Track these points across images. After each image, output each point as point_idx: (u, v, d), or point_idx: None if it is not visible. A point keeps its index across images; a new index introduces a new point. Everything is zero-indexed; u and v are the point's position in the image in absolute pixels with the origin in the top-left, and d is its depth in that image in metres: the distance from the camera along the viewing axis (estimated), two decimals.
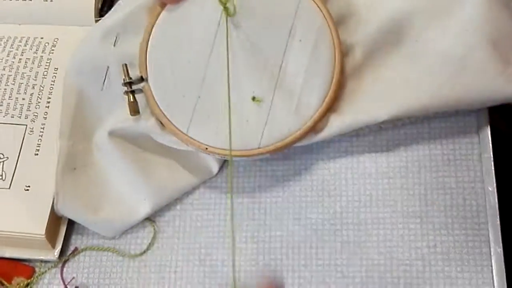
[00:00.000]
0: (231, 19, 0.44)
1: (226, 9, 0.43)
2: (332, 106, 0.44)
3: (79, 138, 0.47)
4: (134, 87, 0.45)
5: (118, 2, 0.48)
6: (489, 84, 0.42)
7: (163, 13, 0.45)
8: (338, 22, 0.45)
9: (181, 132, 0.43)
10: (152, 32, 0.45)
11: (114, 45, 0.46)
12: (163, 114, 0.44)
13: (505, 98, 0.42)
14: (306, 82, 0.43)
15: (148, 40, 0.45)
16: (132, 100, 0.45)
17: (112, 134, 0.46)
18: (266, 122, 0.43)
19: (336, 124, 0.43)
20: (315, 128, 0.43)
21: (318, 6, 0.44)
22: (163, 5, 0.45)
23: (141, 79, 0.45)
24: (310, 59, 0.43)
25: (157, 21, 0.45)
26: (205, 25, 0.44)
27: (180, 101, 0.44)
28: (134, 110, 0.45)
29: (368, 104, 0.43)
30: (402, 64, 0.44)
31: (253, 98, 0.43)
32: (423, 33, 0.44)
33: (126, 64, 0.45)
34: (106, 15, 0.48)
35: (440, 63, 0.43)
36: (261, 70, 0.43)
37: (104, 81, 0.47)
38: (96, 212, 0.46)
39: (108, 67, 0.46)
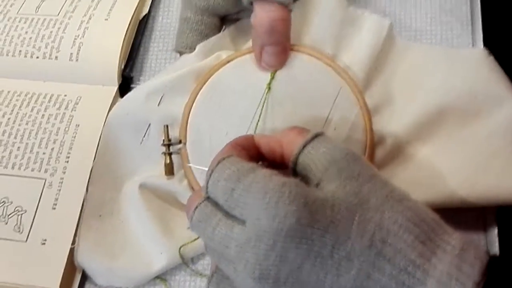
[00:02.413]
0: (273, 98, 0.45)
1: (269, 88, 0.45)
2: None
3: (109, 186, 0.49)
4: (171, 148, 0.46)
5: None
6: (509, 187, 0.43)
7: (210, 81, 0.48)
8: (373, 111, 0.47)
9: None
10: (197, 99, 0.47)
11: (158, 105, 0.48)
12: (195, 179, 0.45)
13: None
14: None
15: (192, 106, 0.47)
16: (168, 161, 0.47)
17: (142, 186, 0.47)
18: None
19: None
20: None
21: (356, 97, 0.46)
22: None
23: (179, 142, 0.47)
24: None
25: (202, 88, 0.47)
26: (247, 101, 0.46)
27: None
28: (170, 171, 0.47)
29: None
30: (432, 158, 0.45)
31: None
32: (456, 130, 0.46)
33: (167, 126, 0.47)
34: (155, 76, 0.51)
35: (467, 161, 0.44)
36: None
37: (144, 136, 0.49)
38: (113, 259, 0.47)
39: (149, 124, 0.48)
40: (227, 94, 0.47)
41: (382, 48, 0.49)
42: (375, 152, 0.46)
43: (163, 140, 0.47)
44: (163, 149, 0.47)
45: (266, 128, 0.45)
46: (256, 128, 0.45)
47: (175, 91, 0.48)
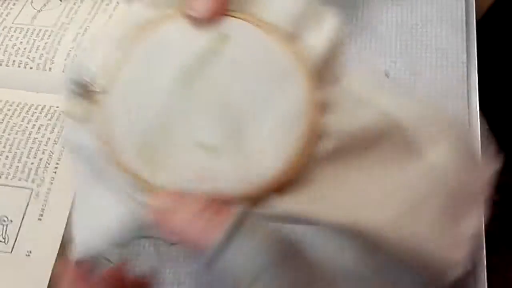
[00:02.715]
0: (214, 62, 0.41)
1: (214, 51, 0.41)
2: (284, 187, 0.38)
3: None
4: (88, 92, 0.41)
5: None
6: (433, 239, 0.38)
7: (155, 34, 0.42)
8: (324, 107, 0.42)
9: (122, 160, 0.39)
10: (137, 51, 0.42)
11: (95, 56, 0.43)
12: (111, 133, 0.40)
13: (439, 262, 0.38)
14: (265, 151, 0.39)
15: (129, 57, 0.42)
16: (76, 101, 0.41)
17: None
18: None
19: (282, 206, 0.38)
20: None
21: (307, 81, 0.41)
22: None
23: (102, 91, 0.41)
24: (283, 132, 0.39)
25: (146, 41, 0.42)
26: (187, 60, 0.41)
27: (132, 126, 0.40)
28: (72, 112, 0.41)
29: (325, 202, 0.39)
30: (366, 180, 0.41)
31: (203, 146, 0.39)
32: (393, 156, 0.41)
33: (88, 69, 0.41)
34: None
35: (399, 197, 0.39)
36: (223, 121, 0.40)
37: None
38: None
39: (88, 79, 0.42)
40: (168, 51, 0.42)
41: (337, 50, 0.44)
42: (315, 150, 0.40)
43: (80, 82, 0.41)
44: (74, 88, 0.41)
45: (202, 91, 0.40)
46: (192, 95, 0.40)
47: (114, 41, 0.43)
